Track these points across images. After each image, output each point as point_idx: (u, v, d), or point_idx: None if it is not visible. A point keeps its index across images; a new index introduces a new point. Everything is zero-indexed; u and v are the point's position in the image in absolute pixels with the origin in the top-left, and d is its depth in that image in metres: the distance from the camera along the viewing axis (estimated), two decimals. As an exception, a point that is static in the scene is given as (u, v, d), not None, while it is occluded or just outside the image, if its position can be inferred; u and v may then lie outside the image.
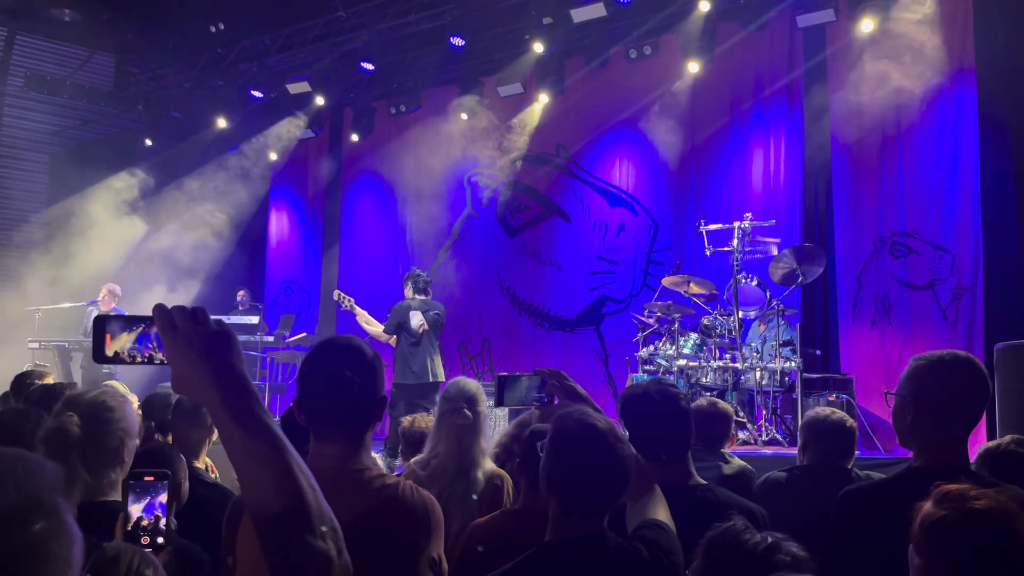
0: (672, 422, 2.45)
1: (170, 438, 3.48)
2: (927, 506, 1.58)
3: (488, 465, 3.14)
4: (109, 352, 1.20)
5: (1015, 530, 1.47)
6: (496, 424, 7.11)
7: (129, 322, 1.21)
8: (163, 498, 1.84)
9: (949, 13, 7.86)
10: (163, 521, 1.83)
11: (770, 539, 1.64)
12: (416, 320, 7.73)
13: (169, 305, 1.16)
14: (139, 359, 1.20)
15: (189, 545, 2.28)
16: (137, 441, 2.42)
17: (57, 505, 0.96)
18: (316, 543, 1.07)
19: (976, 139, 7.63)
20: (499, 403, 2.33)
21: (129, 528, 1.81)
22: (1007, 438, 2.89)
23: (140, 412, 3.61)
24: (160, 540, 1.82)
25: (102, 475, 2.27)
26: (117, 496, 2.26)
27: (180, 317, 1.14)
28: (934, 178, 7.94)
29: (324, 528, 1.09)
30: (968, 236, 7.67)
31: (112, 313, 9.42)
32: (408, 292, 8.01)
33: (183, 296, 10.43)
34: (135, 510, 1.82)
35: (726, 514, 1.74)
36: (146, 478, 1.84)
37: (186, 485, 2.52)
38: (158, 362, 1.20)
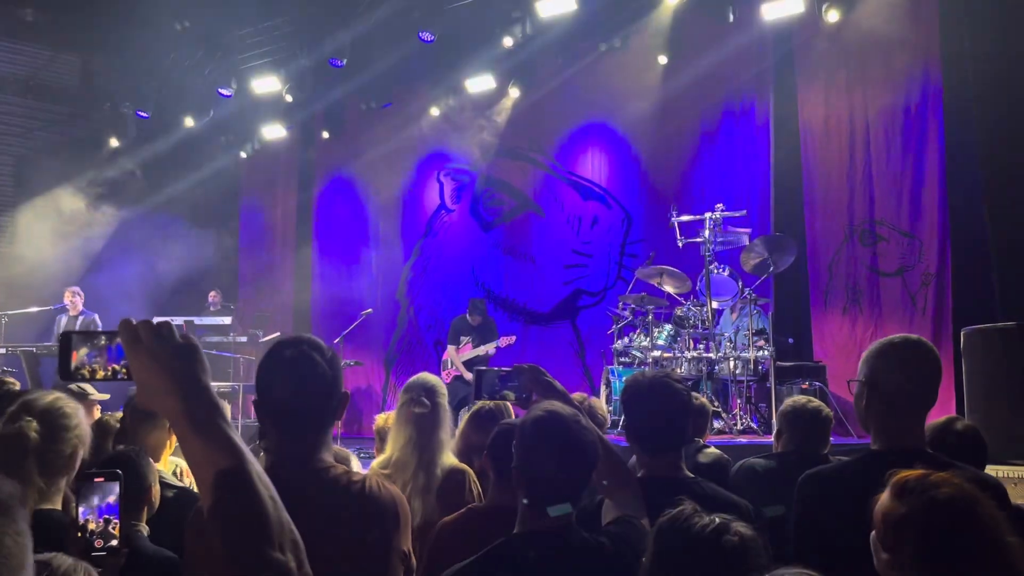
0: (673, 415, 2.45)
1: None
2: (886, 499, 1.57)
3: (449, 459, 3.11)
4: (74, 368, 1.20)
5: (980, 515, 1.48)
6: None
7: (94, 337, 1.21)
8: (114, 499, 1.78)
9: (914, 2, 7.95)
10: (115, 523, 1.78)
11: (718, 520, 1.65)
12: None
13: (136, 319, 1.17)
14: (101, 374, 1.20)
15: (161, 550, 2.24)
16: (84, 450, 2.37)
17: (11, 506, 0.96)
18: (275, 555, 1.07)
19: (941, 126, 7.74)
20: (477, 396, 2.36)
21: (79, 533, 1.76)
22: (944, 419, 2.93)
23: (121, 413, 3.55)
24: (114, 543, 1.77)
25: (53, 482, 2.22)
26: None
27: (145, 331, 1.14)
28: (901, 166, 8.04)
29: (284, 541, 1.09)
30: (935, 223, 7.78)
31: (80, 317, 9.31)
32: None
33: (152, 298, 10.32)
34: (84, 513, 1.76)
35: (676, 499, 1.75)
36: (96, 479, 1.79)
37: (156, 488, 2.47)
38: (121, 377, 1.20)
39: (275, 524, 1.08)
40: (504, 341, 8.85)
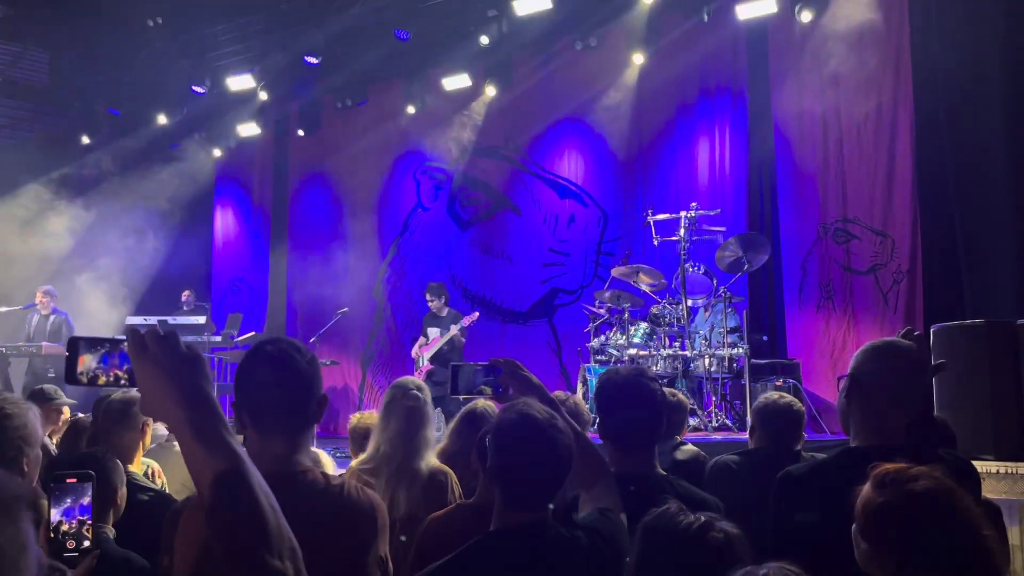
0: (646, 412, 2.46)
1: None
2: (867, 490, 1.60)
3: (432, 459, 3.14)
4: (79, 373, 1.23)
5: (956, 507, 1.51)
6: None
7: (99, 343, 1.24)
8: (87, 501, 1.78)
9: (885, 4, 8.05)
10: (88, 525, 1.77)
11: (703, 518, 1.68)
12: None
13: (137, 325, 1.19)
14: (103, 379, 1.23)
15: (128, 553, 2.22)
16: (41, 450, 2.30)
17: (13, 508, 0.97)
18: (274, 563, 1.08)
19: (913, 126, 7.84)
20: (453, 392, 2.34)
21: (52, 535, 1.75)
22: None
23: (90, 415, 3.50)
24: (86, 544, 1.76)
25: None
26: None
27: (152, 340, 1.17)
28: (873, 164, 8.14)
29: (283, 548, 1.10)
30: (906, 221, 7.88)
31: (51, 317, 9.18)
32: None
33: (125, 297, 10.20)
34: (57, 515, 1.75)
35: (661, 498, 1.77)
36: (68, 480, 1.78)
37: (123, 491, 2.44)
38: (123, 383, 1.23)
39: (275, 532, 1.10)
40: (467, 320, 8.62)
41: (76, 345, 1.23)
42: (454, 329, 8.58)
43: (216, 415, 1.15)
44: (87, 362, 1.22)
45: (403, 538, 2.56)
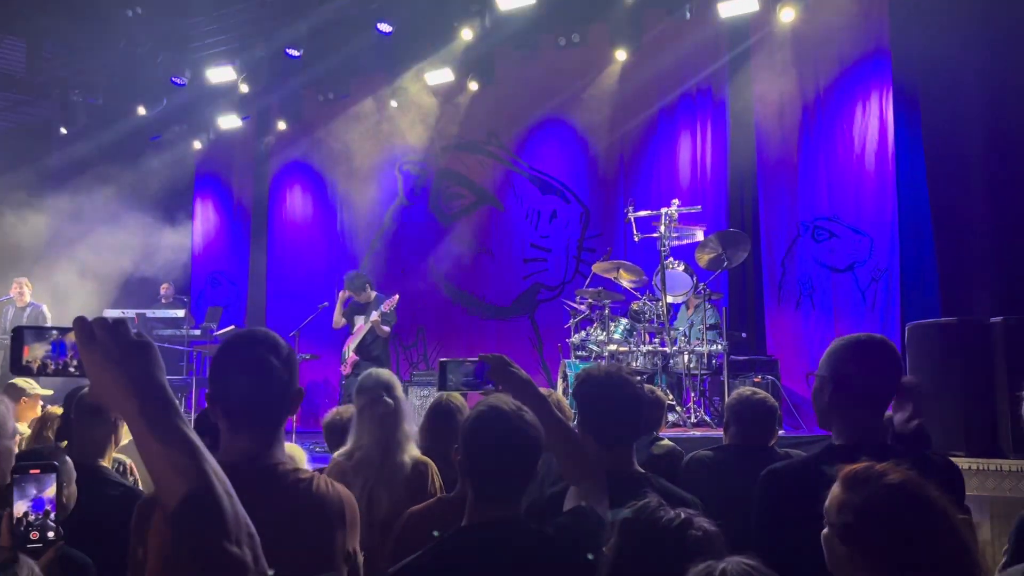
0: (626, 409, 2.47)
1: None
2: (838, 494, 1.61)
3: (413, 451, 3.15)
4: (25, 362, 1.21)
5: (931, 497, 1.53)
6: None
7: (46, 332, 1.21)
8: (51, 492, 1.78)
9: (866, 4, 8.11)
10: (52, 516, 1.77)
11: (683, 515, 1.68)
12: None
13: (90, 315, 1.17)
14: (51, 368, 1.20)
15: (70, 550, 2.21)
16: (18, 440, 2.28)
17: None
18: (232, 549, 1.07)
19: (891, 127, 7.91)
20: (441, 387, 2.36)
21: (15, 526, 1.74)
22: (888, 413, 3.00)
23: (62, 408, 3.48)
24: (51, 535, 1.76)
25: None
26: None
27: (99, 328, 1.14)
28: (853, 164, 8.20)
29: (240, 534, 1.09)
30: (885, 220, 7.95)
31: (28, 308, 9.09)
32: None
33: (103, 290, 10.12)
34: (21, 506, 1.75)
35: (641, 492, 1.77)
36: (32, 471, 1.78)
37: (72, 488, 2.42)
38: (72, 371, 1.20)
39: (231, 518, 1.09)
40: (387, 305, 8.17)
41: (20, 334, 1.21)
42: (375, 315, 8.13)
43: (169, 404, 1.12)
44: (33, 351, 1.20)
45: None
